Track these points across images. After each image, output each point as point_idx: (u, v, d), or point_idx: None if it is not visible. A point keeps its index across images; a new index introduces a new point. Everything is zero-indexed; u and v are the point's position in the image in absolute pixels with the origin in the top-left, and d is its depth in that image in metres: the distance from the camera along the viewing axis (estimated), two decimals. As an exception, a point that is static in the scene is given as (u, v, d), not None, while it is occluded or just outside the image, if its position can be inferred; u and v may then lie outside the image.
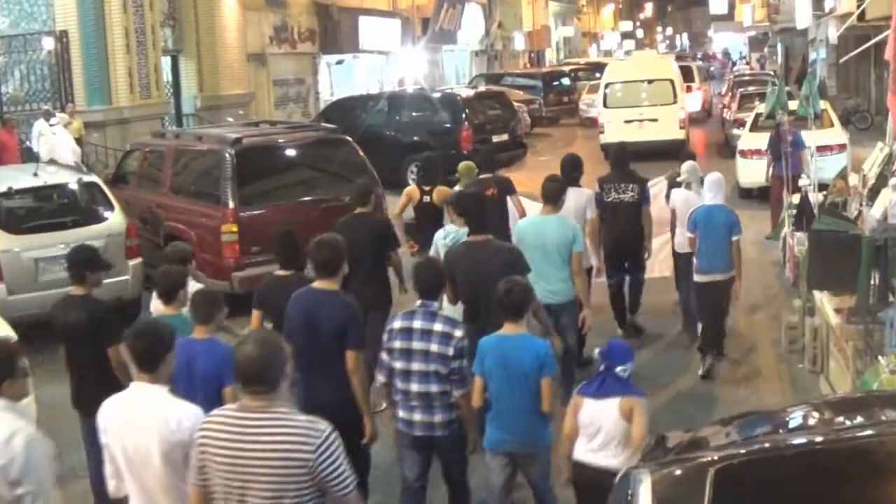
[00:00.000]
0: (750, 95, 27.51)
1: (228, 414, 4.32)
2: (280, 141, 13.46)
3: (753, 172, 17.50)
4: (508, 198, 10.63)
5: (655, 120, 24.86)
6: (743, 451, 4.92)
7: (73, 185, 12.63)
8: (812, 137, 12.95)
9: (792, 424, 5.51)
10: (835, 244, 8.95)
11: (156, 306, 6.86)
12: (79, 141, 19.68)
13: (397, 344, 6.15)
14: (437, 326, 6.08)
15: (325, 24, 33.78)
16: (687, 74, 32.08)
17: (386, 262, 9.05)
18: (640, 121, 24.84)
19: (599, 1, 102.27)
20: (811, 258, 9.60)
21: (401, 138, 22.28)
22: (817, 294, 9.77)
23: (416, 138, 22.13)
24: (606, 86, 26.23)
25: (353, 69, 37.13)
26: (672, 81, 25.80)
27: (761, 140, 16.83)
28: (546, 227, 8.39)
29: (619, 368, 5.82)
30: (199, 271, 12.42)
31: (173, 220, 13.14)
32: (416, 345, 6.10)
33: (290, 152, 13.29)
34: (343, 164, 13.39)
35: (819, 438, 5.03)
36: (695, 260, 9.80)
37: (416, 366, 6.09)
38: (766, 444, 5.01)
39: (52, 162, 15.42)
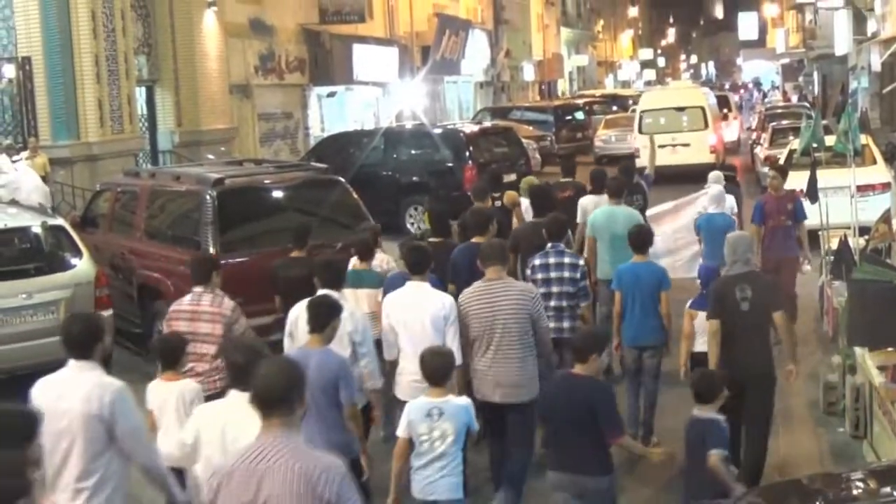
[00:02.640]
0: (783, 130, 27.73)
1: (478, 285, 8.22)
2: (266, 181, 13.50)
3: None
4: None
5: (687, 145, 28.93)
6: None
7: (37, 229, 12.59)
8: (851, 176, 13.00)
9: (832, 496, 5.51)
10: (878, 295, 8.97)
11: (353, 262, 9.93)
12: (43, 179, 19.69)
13: (539, 276, 9.55)
14: (566, 259, 9.61)
15: (316, 52, 34.02)
16: (724, 104, 36.44)
17: None
18: (674, 146, 28.37)
19: (617, 27, 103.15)
20: (851, 310, 9.61)
21: (398, 178, 22.36)
22: (858, 350, 9.78)
23: (415, 178, 22.22)
24: (641, 113, 30.67)
25: (345, 102, 37.34)
26: (703, 109, 30.11)
27: (796, 180, 16.91)
28: (616, 216, 11.74)
29: None
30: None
31: (148, 268, 13.15)
32: (553, 274, 9.52)
33: (277, 194, 13.34)
34: (335, 206, 13.43)
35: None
36: (700, 259, 12.75)
37: (554, 289, 9.46)
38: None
39: (13, 203, 15.45)
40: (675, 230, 14.41)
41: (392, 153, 23.32)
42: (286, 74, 32.72)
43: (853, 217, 12.70)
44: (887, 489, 5.38)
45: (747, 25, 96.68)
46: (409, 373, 8.05)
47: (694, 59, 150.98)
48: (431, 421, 6.84)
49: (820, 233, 13.48)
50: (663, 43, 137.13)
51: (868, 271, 9.50)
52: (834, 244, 12.63)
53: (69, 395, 5.96)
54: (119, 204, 14.78)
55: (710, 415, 7.28)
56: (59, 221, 13.12)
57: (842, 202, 13.51)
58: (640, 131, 29.53)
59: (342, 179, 14.03)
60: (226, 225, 12.34)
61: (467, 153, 21.95)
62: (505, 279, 8.21)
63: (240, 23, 29.79)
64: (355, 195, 13.62)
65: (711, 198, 13.22)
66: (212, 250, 12.04)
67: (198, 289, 8.55)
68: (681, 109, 30.35)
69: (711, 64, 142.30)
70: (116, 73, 22.64)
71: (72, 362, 6.19)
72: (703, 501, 6.70)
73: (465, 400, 7.08)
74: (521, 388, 8.06)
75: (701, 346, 9.14)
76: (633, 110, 39.40)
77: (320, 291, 8.06)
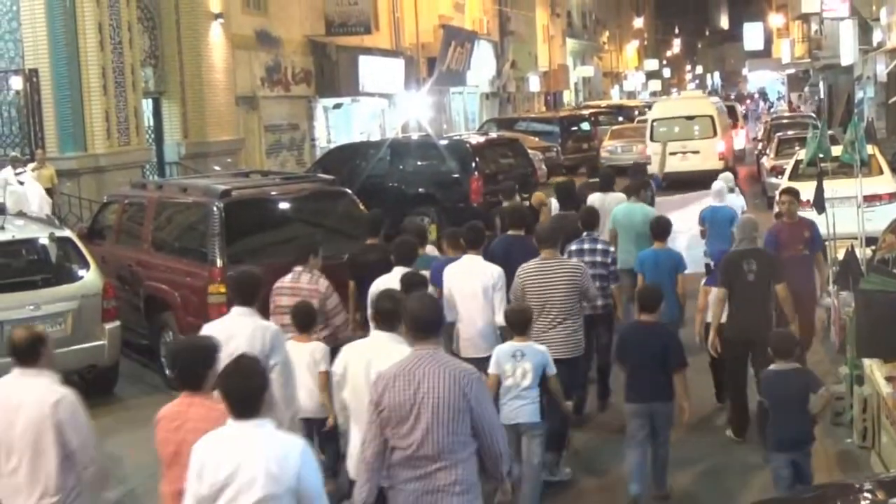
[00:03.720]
0: (789, 140, 27.71)
1: (535, 262, 9.66)
2: (273, 193, 13.54)
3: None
4: None
5: (697, 152, 30.19)
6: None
7: (44, 241, 12.62)
8: (858, 186, 12.99)
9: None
10: (885, 305, 8.98)
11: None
12: (50, 191, 19.75)
13: (575, 259, 10.50)
14: (599, 246, 11.08)
15: (322, 64, 34.07)
16: (729, 114, 37.22)
17: None
18: (684, 153, 29.67)
19: (622, 38, 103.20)
20: (859, 321, 9.62)
21: (404, 190, 22.30)
22: (866, 361, 9.77)
23: (421, 190, 22.17)
24: (653, 122, 32.06)
25: (351, 113, 37.40)
26: (712, 118, 31.44)
27: (802, 190, 16.88)
28: (635, 212, 13.38)
29: None
30: (183, 336, 12.51)
31: (155, 280, 13.18)
32: (587, 258, 10.75)
33: (284, 205, 13.37)
34: (342, 218, 13.46)
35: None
36: (704, 246, 13.85)
37: (588, 271, 10.11)
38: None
39: (20, 214, 15.49)
40: (675, 218, 14.72)
41: (398, 164, 23.28)
42: (292, 86, 32.78)
43: (860, 227, 12.70)
44: (895, 500, 5.37)
45: (753, 36, 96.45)
46: (464, 331, 9.66)
47: (699, 69, 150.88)
48: (515, 361, 8.50)
49: (827, 243, 13.47)
50: (669, 54, 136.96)
51: (875, 282, 9.52)
52: (841, 255, 12.63)
53: (237, 335, 7.35)
54: (126, 216, 14.81)
55: (794, 365, 8.42)
56: (67, 233, 13.17)
57: (848, 212, 13.52)
58: (652, 139, 30.69)
59: (349, 191, 14.06)
60: (233, 236, 12.38)
61: (473, 164, 21.84)
62: (558, 258, 9.78)
63: (246, 35, 29.86)
64: (362, 206, 13.64)
65: (715, 193, 14.69)
66: (218, 262, 12.10)
67: (298, 268, 9.96)
68: (691, 118, 31.70)
69: (717, 74, 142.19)
70: (123, 85, 22.72)
71: (235, 309, 7.96)
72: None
73: (543, 347, 8.74)
74: (571, 348, 9.64)
75: (711, 319, 10.65)
76: (640, 121, 39.78)
77: (396, 268, 9.71)
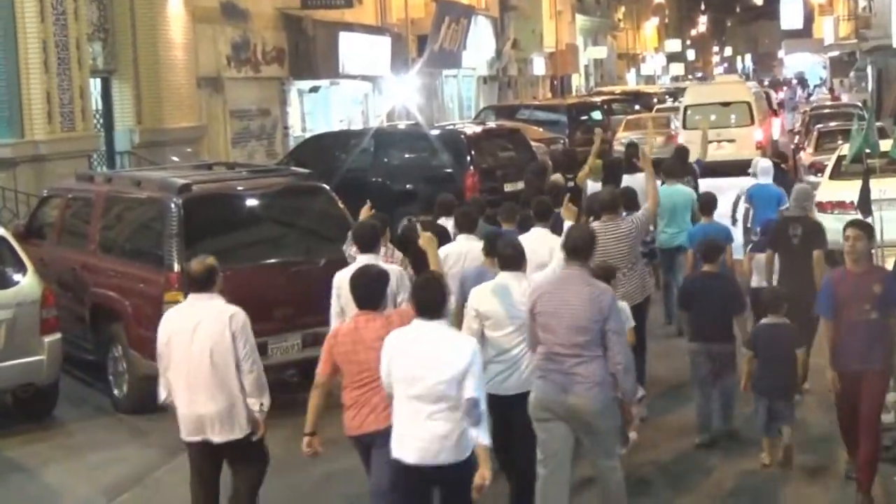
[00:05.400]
0: (831, 133, 27.67)
1: (596, 224, 11.39)
2: (239, 188, 13.54)
3: (835, 231, 17.50)
4: None
5: (733, 140, 31.88)
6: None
7: (-26, 241, 12.60)
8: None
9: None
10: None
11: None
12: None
13: None
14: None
15: (297, 41, 34.05)
16: (768, 102, 39.26)
17: None
18: (719, 141, 30.62)
19: (640, 15, 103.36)
20: (909, 340, 9.58)
21: (390, 185, 22.24)
22: (917, 387, 9.77)
23: (408, 186, 22.10)
24: (686, 108, 34.09)
25: (330, 98, 37.42)
26: (749, 104, 33.40)
27: (845, 190, 16.86)
28: (675, 193, 15.47)
29: None
30: (134, 351, 12.47)
31: (103, 286, 13.15)
32: None
33: (252, 202, 13.37)
34: (318, 217, 13.46)
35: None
36: (748, 224, 16.00)
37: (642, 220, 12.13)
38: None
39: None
40: None
41: (383, 157, 23.26)
42: (263, 66, 32.74)
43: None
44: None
45: (791, 13, 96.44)
46: None
47: (728, 51, 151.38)
48: None
49: (873, 251, 13.45)
50: (693, 33, 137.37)
51: (927, 296, 9.48)
52: (890, 264, 12.61)
53: None
54: (70, 212, 14.80)
55: (783, 320, 10.50)
56: (0, 232, 13.11)
57: (899, 216, 13.48)
58: (685, 127, 32.78)
59: (326, 186, 14.04)
60: (193, 237, 12.34)
61: (468, 158, 21.78)
62: (615, 220, 11.70)
63: (210, 6, 29.80)
64: (341, 204, 13.62)
65: (761, 170, 16.61)
66: (176, 267, 12.07)
67: None
68: (726, 105, 33.41)
69: (748, 57, 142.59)
70: (67, 62, 22.58)
71: (360, 258, 9.67)
72: None
73: (624, 304, 10.36)
74: (636, 294, 11.78)
75: (755, 283, 12.98)
76: (660, 110, 39.98)
77: (460, 236, 11.41)
